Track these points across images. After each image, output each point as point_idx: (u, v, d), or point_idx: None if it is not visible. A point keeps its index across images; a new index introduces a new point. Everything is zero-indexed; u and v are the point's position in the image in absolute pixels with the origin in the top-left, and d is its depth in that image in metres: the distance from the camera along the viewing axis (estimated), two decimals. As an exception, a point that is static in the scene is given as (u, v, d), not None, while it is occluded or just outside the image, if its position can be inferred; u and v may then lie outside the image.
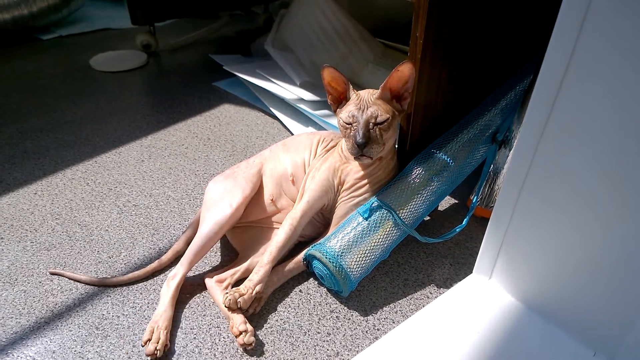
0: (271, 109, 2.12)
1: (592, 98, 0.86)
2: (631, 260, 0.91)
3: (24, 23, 2.90)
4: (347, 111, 1.24)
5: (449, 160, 1.35)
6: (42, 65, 2.63)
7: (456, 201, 1.62)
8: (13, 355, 1.11)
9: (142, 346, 1.11)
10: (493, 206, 1.13)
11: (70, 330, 1.17)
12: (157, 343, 1.10)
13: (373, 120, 1.22)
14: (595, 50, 0.83)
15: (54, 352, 1.12)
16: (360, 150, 1.20)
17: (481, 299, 1.18)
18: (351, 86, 1.27)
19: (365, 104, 1.23)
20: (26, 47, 2.88)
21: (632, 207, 0.88)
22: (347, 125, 1.23)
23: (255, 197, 1.37)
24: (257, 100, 2.22)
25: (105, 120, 2.08)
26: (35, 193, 1.63)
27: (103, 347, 1.13)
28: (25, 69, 2.59)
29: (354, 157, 1.24)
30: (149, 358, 1.10)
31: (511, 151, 1.36)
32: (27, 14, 2.89)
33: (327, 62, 2.14)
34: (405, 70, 1.20)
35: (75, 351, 1.12)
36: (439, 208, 1.58)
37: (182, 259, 1.26)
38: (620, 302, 0.96)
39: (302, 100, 2.02)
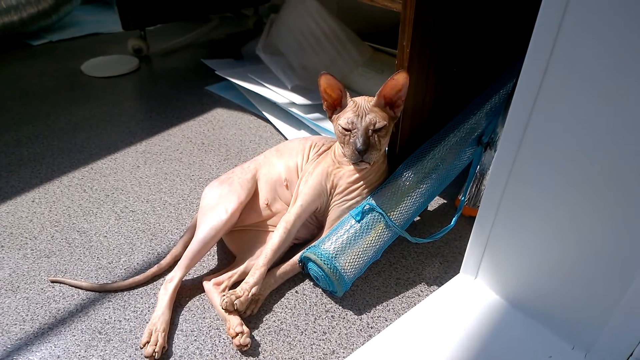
0: (264, 112, 2.15)
1: (569, 102, 0.90)
2: (606, 259, 0.96)
3: (14, 29, 2.91)
4: (346, 118, 1.27)
5: (437, 162, 1.39)
6: (33, 72, 2.65)
7: (445, 201, 1.67)
8: (18, 361, 1.15)
9: (141, 348, 1.15)
10: (480, 205, 1.17)
11: (74, 335, 1.20)
12: (155, 345, 1.14)
13: (372, 127, 1.26)
14: (572, 55, 0.86)
15: (58, 357, 1.15)
16: (361, 156, 1.24)
17: (468, 297, 1.23)
18: (348, 93, 1.31)
19: (363, 111, 1.27)
20: (16, 53, 2.89)
21: (607, 208, 0.92)
22: (346, 132, 1.27)
23: (251, 201, 1.41)
24: (250, 104, 2.25)
25: (99, 126, 2.11)
26: (33, 201, 1.66)
27: (106, 351, 1.16)
28: (16, 75, 2.60)
29: (352, 163, 1.28)
30: None
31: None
32: (17, 20, 2.89)
33: (317, 65, 2.21)
34: (400, 79, 1.24)
35: (79, 355, 1.16)
36: (429, 208, 1.63)
37: (179, 262, 1.30)
38: (596, 299, 1.01)
39: (293, 104, 2.05)
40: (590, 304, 1.02)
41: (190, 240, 1.34)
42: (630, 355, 0.98)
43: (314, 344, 1.19)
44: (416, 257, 1.44)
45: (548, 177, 0.99)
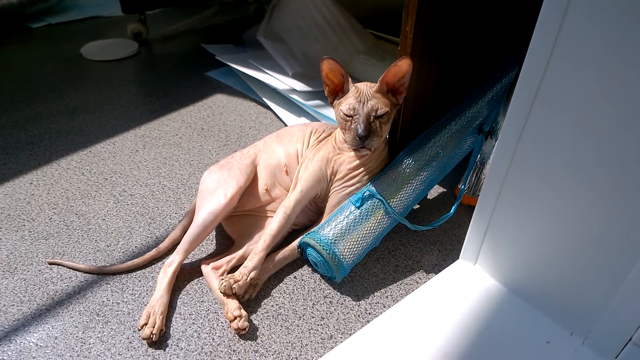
0: (264, 99, 2.14)
1: (572, 91, 0.90)
2: (605, 246, 0.96)
3: (13, 11, 2.88)
4: (347, 103, 1.27)
5: (438, 150, 1.39)
6: (32, 55, 2.63)
7: (444, 190, 1.66)
8: (16, 341, 1.14)
9: (138, 330, 1.15)
10: (479, 194, 1.17)
11: (72, 317, 1.20)
12: (153, 327, 1.14)
13: (374, 113, 1.25)
14: (575, 46, 0.86)
15: (56, 338, 1.15)
16: (362, 142, 1.24)
17: (467, 283, 1.23)
18: (350, 79, 1.30)
19: (365, 97, 1.26)
20: (15, 36, 2.87)
21: (607, 196, 0.92)
22: (348, 118, 1.27)
23: (250, 186, 1.40)
24: (250, 90, 2.24)
25: (98, 110, 2.10)
26: (31, 183, 1.65)
27: (104, 333, 1.16)
28: (15, 58, 2.59)
29: (354, 149, 1.28)
30: (145, 342, 1.14)
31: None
32: (16, 2, 2.88)
33: (318, 52, 2.20)
34: (403, 65, 1.23)
35: (77, 337, 1.16)
36: (428, 197, 1.63)
37: (178, 247, 1.30)
38: (594, 286, 1.01)
39: (294, 90, 2.04)
40: (589, 290, 1.02)
41: (189, 225, 1.34)
42: (629, 341, 0.98)
43: (312, 328, 1.19)
44: (415, 244, 1.44)
45: (549, 166, 0.99)
